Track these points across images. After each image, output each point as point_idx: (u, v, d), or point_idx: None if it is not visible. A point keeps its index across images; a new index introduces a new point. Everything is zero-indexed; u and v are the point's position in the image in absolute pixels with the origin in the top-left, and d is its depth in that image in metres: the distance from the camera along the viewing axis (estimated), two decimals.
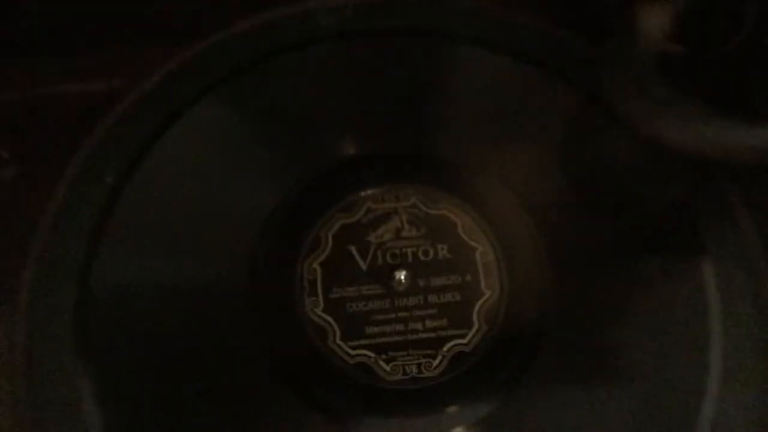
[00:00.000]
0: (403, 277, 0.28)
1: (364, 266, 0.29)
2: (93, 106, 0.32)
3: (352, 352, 0.27)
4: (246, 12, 0.33)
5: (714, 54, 0.32)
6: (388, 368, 0.27)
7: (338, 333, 0.28)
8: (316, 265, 0.29)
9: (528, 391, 0.27)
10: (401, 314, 0.28)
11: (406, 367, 0.27)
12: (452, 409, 0.27)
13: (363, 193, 0.30)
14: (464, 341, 0.28)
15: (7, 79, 0.35)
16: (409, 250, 0.29)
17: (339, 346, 0.27)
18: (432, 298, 0.28)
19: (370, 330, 0.28)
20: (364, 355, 0.27)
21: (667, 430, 0.27)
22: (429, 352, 0.27)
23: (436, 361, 0.27)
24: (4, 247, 0.30)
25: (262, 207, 0.29)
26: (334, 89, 0.30)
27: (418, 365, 0.27)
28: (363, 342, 0.27)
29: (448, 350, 0.28)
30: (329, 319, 0.28)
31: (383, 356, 0.27)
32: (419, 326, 0.28)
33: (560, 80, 0.31)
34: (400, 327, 0.28)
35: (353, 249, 0.29)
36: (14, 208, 0.31)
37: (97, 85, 0.32)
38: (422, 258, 0.29)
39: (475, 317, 0.28)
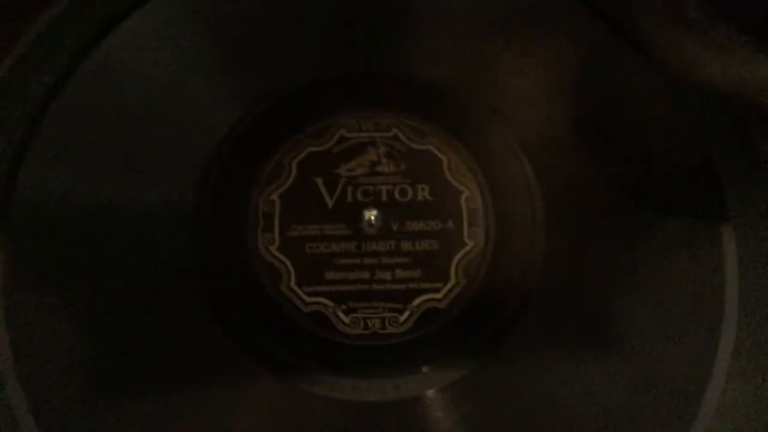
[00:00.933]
0: (373, 218, 0.24)
1: (330, 202, 0.25)
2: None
3: (308, 299, 0.24)
4: None
5: None
6: (347, 320, 0.24)
7: (293, 276, 0.24)
8: (275, 197, 0.25)
9: (506, 358, 0.23)
10: (368, 261, 0.24)
11: (368, 321, 0.24)
12: (416, 371, 0.23)
13: (337, 119, 0.26)
14: (438, 296, 0.24)
15: None
16: (384, 188, 0.25)
17: (293, 290, 0.24)
18: (405, 245, 0.24)
19: (331, 275, 0.24)
20: (321, 303, 0.24)
21: (666, 411, 0.23)
22: (396, 305, 0.24)
23: (404, 317, 0.24)
24: None
25: (219, 125, 0.25)
26: None
27: (382, 320, 0.24)
28: (321, 288, 0.24)
29: (419, 305, 0.24)
30: (284, 259, 0.24)
31: (343, 306, 0.24)
32: (388, 276, 0.24)
33: None
34: (365, 275, 0.24)
35: (320, 181, 0.25)
36: None
37: None
38: (398, 198, 0.25)
39: (453, 270, 0.24)
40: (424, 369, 0.23)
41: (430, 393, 0.23)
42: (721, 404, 0.23)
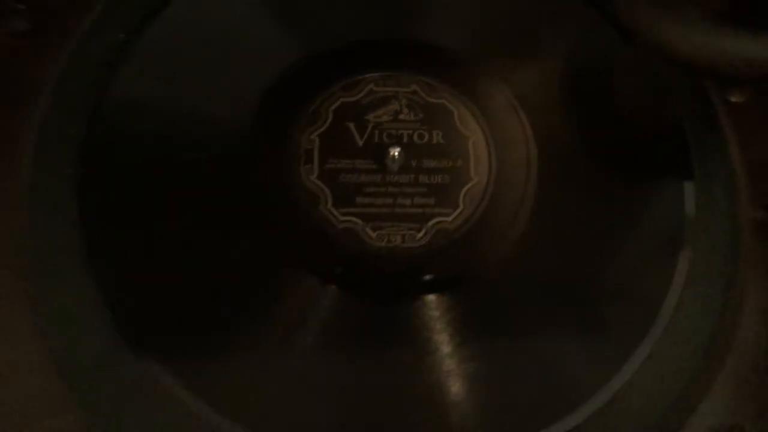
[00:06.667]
0: (397, 154, 0.29)
1: (360, 142, 0.30)
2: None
3: (342, 218, 0.29)
4: None
5: None
6: (374, 235, 0.29)
7: (330, 199, 0.29)
8: (314, 136, 0.30)
9: (496, 275, 0.29)
10: (391, 189, 0.29)
11: (391, 236, 0.29)
12: (427, 278, 0.28)
13: (367, 75, 0.31)
14: (448, 219, 0.29)
15: None
16: (405, 132, 0.30)
17: (330, 211, 0.29)
18: (422, 178, 0.30)
19: (361, 200, 0.29)
20: (353, 222, 0.29)
21: (628, 320, 0.28)
22: (414, 225, 0.29)
23: (420, 234, 0.29)
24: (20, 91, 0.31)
25: (270, 72, 0.30)
26: None
27: (403, 236, 0.29)
28: (352, 210, 0.29)
29: (432, 226, 0.29)
30: (322, 185, 0.29)
31: (370, 224, 0.29)
32: (407, 202, 0.29)
33: None
34: (389, 200, 0.29)
35: (351, 126, 0.30)
36: (28, 58, 0.32)
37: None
38: (417, 141, 0.30)
39: (461, 199, 0.29)
40: (426, 277, 0.29)
41: (430, 296, 0.28)
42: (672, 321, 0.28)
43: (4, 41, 0.32)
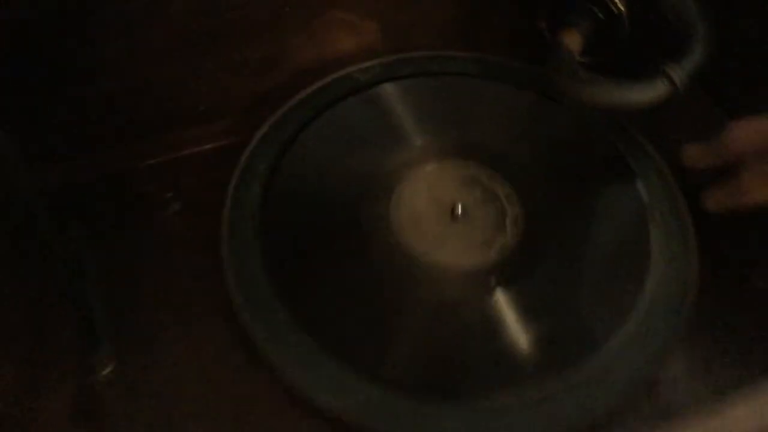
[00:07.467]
0: (460, 208, 0.45)
1: (435, 208, 0.46)
2: (220, 159, 0.50)
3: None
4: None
5: (606, 57, 0.53)
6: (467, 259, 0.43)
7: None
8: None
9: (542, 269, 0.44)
10: (462, 229, 0.45)
11: (474, 258, 0.43)
12: (494, 278, 0.43)
13: (426, 168, 0.48)
14: (507, 238, 0.44)
15: (156, 148, 0.51)
16: (463, 195, 0.47)
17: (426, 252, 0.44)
18: (481, 219, 0.45)
19: (451, 241, 0.44)
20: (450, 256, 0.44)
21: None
22: (486, 247, 0.44)
23: (491, 251, 0.44)
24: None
25: (367, 170, 0.47)
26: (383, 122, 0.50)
27: (483, 254, 0.44)
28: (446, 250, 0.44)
29: (498, 244, 0.44)
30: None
31: (463, 253, 0.44)
32: (478, 234, 0.45)
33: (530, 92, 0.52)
34: (466, 237, 0.44)
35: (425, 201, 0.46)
36: (185, 232, 0.47)
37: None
38: (471, 198, 0.46)
39: (507, 225, 0.45)
40: (495, 278, 0.43)
41: (498, 290, 0.42)
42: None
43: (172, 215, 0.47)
